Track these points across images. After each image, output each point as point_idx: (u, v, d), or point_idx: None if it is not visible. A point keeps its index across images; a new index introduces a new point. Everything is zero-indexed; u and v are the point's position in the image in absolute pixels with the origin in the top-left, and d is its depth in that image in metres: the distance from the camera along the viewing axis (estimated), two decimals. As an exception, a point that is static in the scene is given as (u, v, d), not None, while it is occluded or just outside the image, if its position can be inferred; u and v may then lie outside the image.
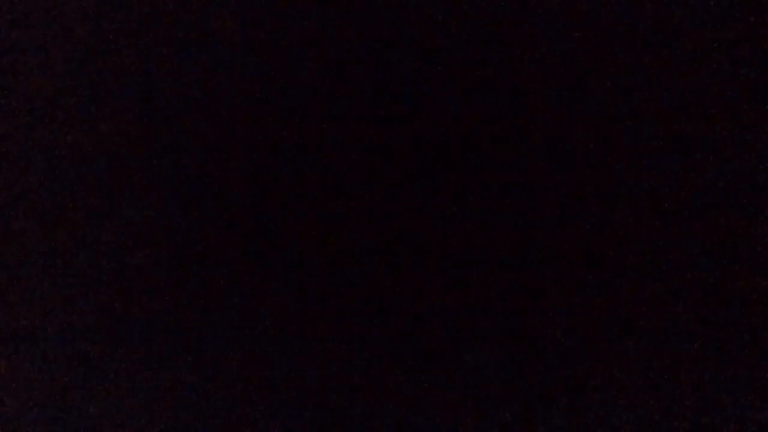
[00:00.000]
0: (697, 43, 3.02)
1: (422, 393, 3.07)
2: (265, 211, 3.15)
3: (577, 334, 3.02)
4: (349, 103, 3.14)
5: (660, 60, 3.03)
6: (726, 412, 2.97)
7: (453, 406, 3.06)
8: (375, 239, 3.12)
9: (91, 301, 3.17)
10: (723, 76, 3.01)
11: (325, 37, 3.15)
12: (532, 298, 3.05)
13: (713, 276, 2.98)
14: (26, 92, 3.22)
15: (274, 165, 3.15)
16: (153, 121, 3.18)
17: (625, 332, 3.01)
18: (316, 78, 3.15)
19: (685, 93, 3.02)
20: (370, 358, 3.10)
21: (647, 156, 3.02)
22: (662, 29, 3.03)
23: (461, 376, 3.06)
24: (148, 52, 3.19)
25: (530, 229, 3.06)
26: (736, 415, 2.97)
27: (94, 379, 3.16)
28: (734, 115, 3.00)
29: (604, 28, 3.06)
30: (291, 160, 3.15)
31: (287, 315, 3.13)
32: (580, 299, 3.03)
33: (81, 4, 3.22)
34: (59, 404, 3.17)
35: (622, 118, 3.04)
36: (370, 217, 3.12)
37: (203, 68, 3.18)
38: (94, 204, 3.18)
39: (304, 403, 3.11)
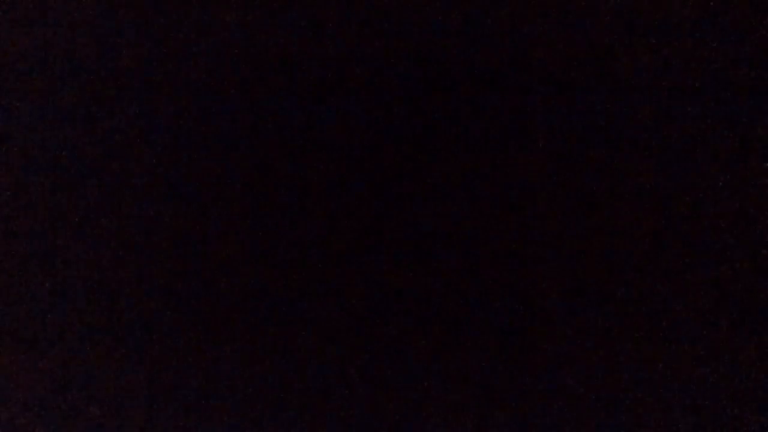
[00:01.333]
0: (697, 42, 3.02)
1: (422, 393, 3.08)
2: (265, 210, 3.15)
3: (577, 334, 3.03)
4: (349, 102, 3.14)
5: (660, 59, 3.03)
6: (726, 412, 2.97)
7: (452, 406, 3.06)
8: (375, 239, 3.12)
9: (91, 301, 3.17)
10: (723, 75, 3.01)
11: (325, 37, 3.15)
12: (531, 298, 3.05)
13: (713, 276, 2.99)
14: (26, 92, 3.22)
15: (275, 164, 3.15)
16: (153, 121, 3.19)
17: (625, 332, 3.01)
18: (316, 77, 3.15)
19: (684, 93, 3.02)
20: (369, 358, 3.10)
21: (647, 156, 3.03)
22: (662, 28, 3.04)
23: (460, 377, 3.06)
24: (149, 52, 3.19)
25: (530, 229, 3.06)
26: (737, 415, 2.97)
27: (94, 379, 3.16)
28: (734, 115, 3.01)
29: (604, 27, 3.06)
30: (291, 160, 3.15)
31: (287, 314, 3.13)
32: (580, 299, 3.03)
33: (81, 4, 3.22)
34: (59, 404, 3.17)
35: (622, 118, 3.04)
36: (370, 217, 3.12)
37: (203, 68, 3.18)
38: (94, 204, 3.18)
39: (304, 403, 3.11)
